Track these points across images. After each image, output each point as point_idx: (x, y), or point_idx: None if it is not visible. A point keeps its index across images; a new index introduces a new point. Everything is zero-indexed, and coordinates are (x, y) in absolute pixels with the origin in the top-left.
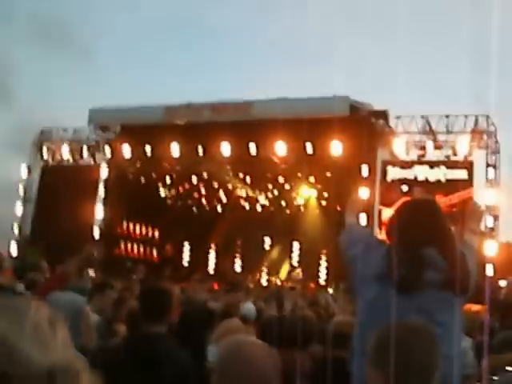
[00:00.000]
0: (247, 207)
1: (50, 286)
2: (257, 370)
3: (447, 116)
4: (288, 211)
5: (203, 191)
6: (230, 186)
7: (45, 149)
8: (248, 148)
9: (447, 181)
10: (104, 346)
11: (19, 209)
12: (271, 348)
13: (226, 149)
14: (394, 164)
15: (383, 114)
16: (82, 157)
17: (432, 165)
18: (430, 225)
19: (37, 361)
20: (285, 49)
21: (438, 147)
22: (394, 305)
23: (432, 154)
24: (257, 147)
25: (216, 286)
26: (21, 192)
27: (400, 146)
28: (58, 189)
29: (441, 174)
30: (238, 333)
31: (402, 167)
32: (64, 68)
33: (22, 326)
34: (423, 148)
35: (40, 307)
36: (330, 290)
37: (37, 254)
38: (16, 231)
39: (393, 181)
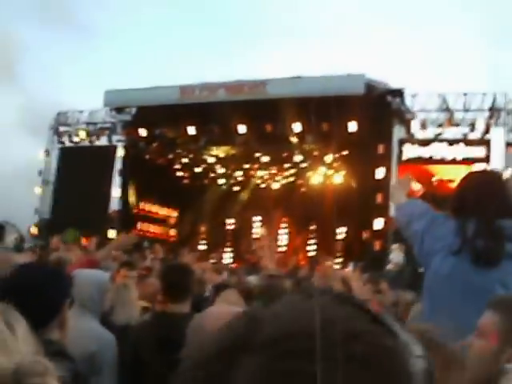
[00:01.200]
0: (264, 187)
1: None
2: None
3: (465, 94)
4: (304, 190)
5: (220, 171)
6: (246, 166)
7: (62, 131)
8: (264, 127)
9: (464, 159)
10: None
11: (38, 191)
12: None
13: (241, 128)
14: (410, 142)
15: (399, 93)
16: (98, 139)
17: (449, 143)
18: (502, 197)
19: (1, 366)
20: (299, 26)
21: (455, 125)
22: (476, 278)
23: (449, 132)
24: (272, 126)
25: (235, 266)
26: (39, 174)
27: (416, 125)
28: (76, 170)
29: (458, 152)
30: (235, 304)
31: (419, 145)
32: (75, 51)
33: None
34: (440, 126)
35: None
36: (348, 269)
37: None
38: (36, 213)
39: (409, 159)
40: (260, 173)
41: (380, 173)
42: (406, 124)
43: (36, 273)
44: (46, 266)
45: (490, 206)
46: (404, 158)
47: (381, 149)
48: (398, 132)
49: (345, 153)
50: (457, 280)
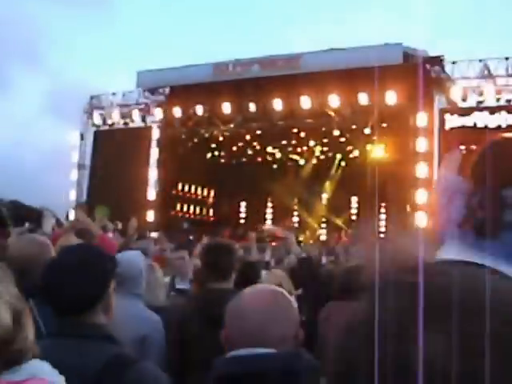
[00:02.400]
0: (302, 162)
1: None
2: (250, 320)
3: (507, 58)
4: (344, 165)
5: (257, 148)
6: (283, 142)
7: (96, 114)
8: (300, 102)
9: (508, 126)
10: (175, 304)
11: (74, 175)
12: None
13: (277, 104)
14: (452, 112)
15: (438, 60)
16: (132, 120)
17: (492, 110)
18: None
19: None
20: None
21: (497, 92)
22: (477, 250)
23: (492, 99)
24: (309, 101)
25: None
26: (75, 158)
27: (457, 93)
28: (112, 153)
29: (502, 119)
30: (279, 282)
31: (461, 114)
32: (103, 32)
33: None
34: (482, 93)
35: None
36: None
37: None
38: (73, 197)
39: (452, 129)
40: (298, 148)
41: (421, 144)
42: (447, 93)
43: (79, 254)
44: (89, 247)
45: (498, 175)
46: (446, 127)
47: (422, 119)
48: (439, 101)
49: (384, 124)
50: (458, 256)
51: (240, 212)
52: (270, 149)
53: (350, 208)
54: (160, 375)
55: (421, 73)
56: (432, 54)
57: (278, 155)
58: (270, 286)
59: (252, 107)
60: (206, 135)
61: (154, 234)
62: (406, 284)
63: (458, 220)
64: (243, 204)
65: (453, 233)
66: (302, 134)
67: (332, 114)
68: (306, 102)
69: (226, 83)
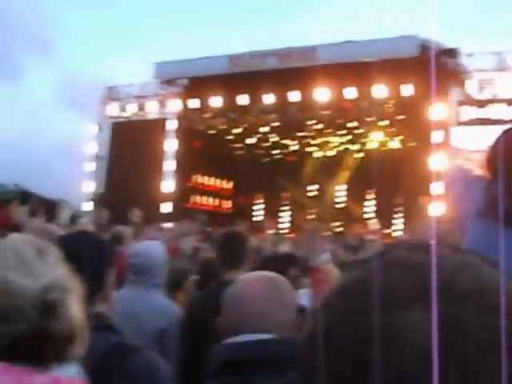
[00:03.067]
0: (319, 155)
1: None
2: (248, 306)
3: None
4: (361, 157)
5: (274, 141)
6: (299, 134)
7: (112, 105)
8: (317, 94)
9: None
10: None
11: (91, 167)
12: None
13: (294, 96)
14: (467, 104)
15: (454, 52)
16: (149, 111)
17: (508, 103)
18: None
19: (27, 287)
20: None
21: None
22: (503, 241)
23: (507, 92)
24: (326, 93)
25: (293, 235)
26: (92, 150)
27: (473, 85)
28: (128, 144)
29: None
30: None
31: (477, 107)
32: (124, 23)
33: (4, 260)
34: (498, 86)
35: (24, 241)
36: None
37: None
38: (89, 189)
39: (467, 121)
40: (314, 141)
41: (437, 136)
42: (463, 85)
43: (73, 242)
44: (88, 235)
45: None
46: (462, 120)
47: (438, 111)
48: (455, 93)
49: (400, 117)
50: (487, 244)
51: (257, 204)
52: (286, 141)
53: (366, 200)
54: (161, 364)
55: (433, 65)
56: (448, 46)
57: (295, 147)
58: (268, 273)
59: (268, 99)
60: (223, 127)
61: (168, 225)
62: (404, 260)
63: (478, 209)
64: (260, 196)
65: (475, 222)
66: (319, 126)
67: (348, 105)
68: (322, 94)
69: (242, 75)
